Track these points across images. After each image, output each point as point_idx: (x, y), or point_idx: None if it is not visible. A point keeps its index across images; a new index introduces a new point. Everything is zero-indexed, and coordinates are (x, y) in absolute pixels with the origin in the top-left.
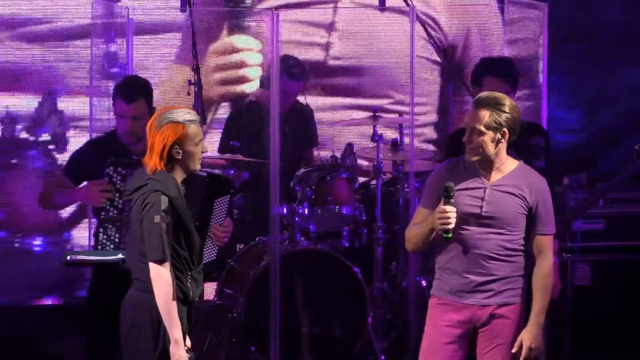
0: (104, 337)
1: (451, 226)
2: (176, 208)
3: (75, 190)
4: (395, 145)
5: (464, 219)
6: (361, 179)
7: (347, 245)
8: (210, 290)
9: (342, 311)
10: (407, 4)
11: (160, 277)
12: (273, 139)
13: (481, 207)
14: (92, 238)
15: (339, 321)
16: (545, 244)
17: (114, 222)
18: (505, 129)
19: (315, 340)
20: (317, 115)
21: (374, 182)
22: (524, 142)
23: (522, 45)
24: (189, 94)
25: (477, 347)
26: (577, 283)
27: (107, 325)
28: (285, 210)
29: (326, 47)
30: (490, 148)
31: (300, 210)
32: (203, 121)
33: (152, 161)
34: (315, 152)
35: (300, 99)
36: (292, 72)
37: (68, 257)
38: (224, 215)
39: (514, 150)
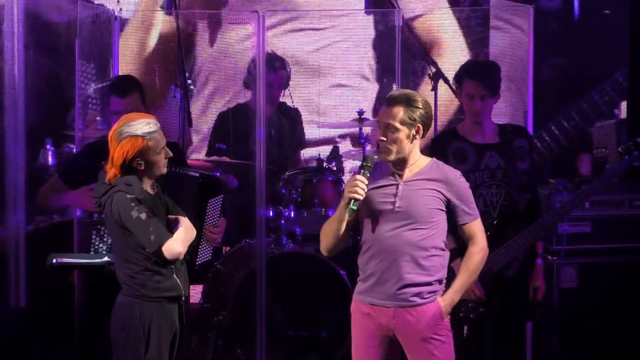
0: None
1: (358, 196)
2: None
3: (68, 193)
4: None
5: (377, 216)
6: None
7: None
8: (196, 292)
9: (329, 313)
10: (394, 6)
11: (177, 248)
12: (259, 141)
13: (394, 202)
14: (77, 241)
15: (325, 323)
16: (474, 230)
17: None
18: (419, 125)
19: (301, 343)
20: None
21: None
22: (508, 144)
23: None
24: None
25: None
26: (563, 286)
27: (97, 328)
28: (271, 213)
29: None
30: (405, 144)
31: (287, 213)
32: (189, 124)
33: (112, 172)
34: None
35: (288, 100)
36: (272, 64)
37: (54, 260)
38: (218, 215)
39: (497, 152)
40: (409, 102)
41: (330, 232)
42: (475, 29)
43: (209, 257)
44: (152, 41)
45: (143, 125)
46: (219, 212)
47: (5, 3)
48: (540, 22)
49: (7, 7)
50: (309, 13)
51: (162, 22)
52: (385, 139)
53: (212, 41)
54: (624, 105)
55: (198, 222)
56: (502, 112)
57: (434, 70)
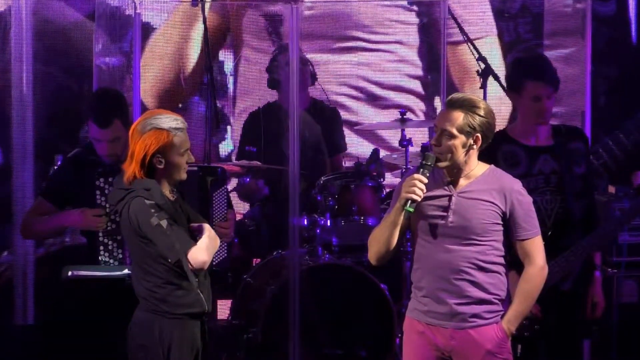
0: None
1: (416, 197)
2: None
3: (65, 214)
4: (426, 150)
5: (429, 230)
6: (388, 188)
7: None
8: (224, 308)
9: (368, 331)
10: None
11: (201, 257)
12: (292, 144)
13: (446, 217)
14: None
15: (364, 342)
16: (530, 248)
17: (113, 237)
18: (478, 134)
19: None
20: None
21: None
22: (563, 146)
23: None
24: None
25: None
26: (623, 301)
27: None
28: (305, 222)
29: None
30: (460, 154)
31: (322, 222)
32: (216, 126)
33: (131, 169)
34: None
35: (324, 99)
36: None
37: (69, 273)
38: (225, 207)
39: (551, 156)
40: (470, 108)
41: (381, 238)
42: (525, 35)
43: (225, 255)
44: (197, 35)
45: (170, 120)
46: (225, 204)
47: (13, 6)
48: (594, 29)
49: (14, 10)
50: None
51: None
52: (438, 145)
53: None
54: None
55: (205, 218)
56: (556, 113)
57: (483, 66)
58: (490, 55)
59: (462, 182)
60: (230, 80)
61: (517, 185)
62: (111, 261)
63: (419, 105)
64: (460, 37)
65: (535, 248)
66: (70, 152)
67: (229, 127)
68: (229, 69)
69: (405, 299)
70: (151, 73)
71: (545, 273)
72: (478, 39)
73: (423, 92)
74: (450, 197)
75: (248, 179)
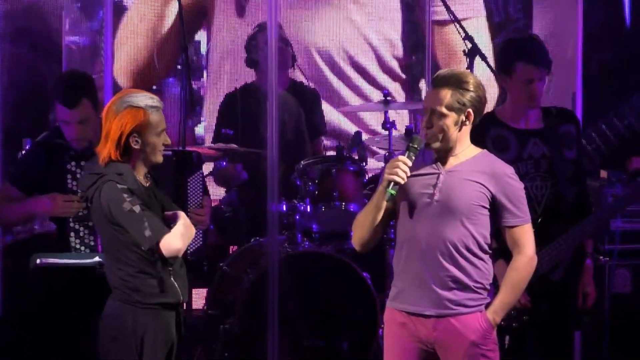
0: (82, 348)
1: (398, 179)
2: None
3: (34, 200)
4: (410, 133)
5: (414, 209)
6: (370, 172)
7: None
8: (199, 297)
9: (350, 322)
10: None
11: (175, 244)
12: (270, 126)
13: (432, 194)
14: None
15: (345, 333)
16: (520, 236)
17: (85, 223)
18: (469, 110)
19: (319, 355)
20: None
21: None
22: (553, 129)
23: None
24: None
25: None
26: (615, 290)
27: (82, 336)
28: (284, 208)
29: None
30: (453, 132)
31: (302, 208)
32: (192, 108)
33: (106, 150)
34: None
35: (304, 80)
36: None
37: (37, 261)
38: (201, 193)
39: (541, 139)
40: (458, 84)
41: (365, 223)
42: (515, 15)
43: (200, 243)
44: (172, 13)
45: (146, 98)
46: (200, 190)
47: None
48: (586, 9)
49: None
50: None
51: None
52: (429, 127)
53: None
54: None
55: (180, 205)
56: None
57: (469, 46)
58: (477, 36)
59: (452, 160)
60: (206, 60)
61: (508, 170)
62: (82, 248)
63: (399, 88)
64: (446, 17)
65: (525, 236)
66: (39, 136)
67: (204, 110)
68: (204, 49)
69: (388, 289)
70: (124, 53)
71: (535, 263)
72: (465, 19)
73: (404, 75)
74: (438, 175)
75: (225, 163)
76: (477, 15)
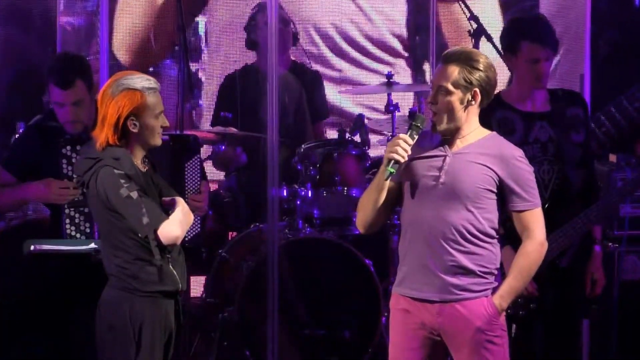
0: (77, 338)
1: (398, 157)
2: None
3: (28, 186)
4: (413, 115)
5: (419, 192)
6: (373, 156)
7: (357, 233)
8: (197, 285)
9: (352, 310)
10: None
11: (174, 231)
12: (271, 109)
13: (438, 177)
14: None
15: (347, 322)
16: (529, 221)
17: (80, 209)
18: (476, 89)
19: (320, 344)
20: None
21: None
22: (560, 112)
23: None
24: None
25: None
26: (624, 277)
27: (78, 325)
28: (285, 193)
29: None
30: (459, 110)
31: (303, 193)
32: (190, 91)
33: (104, 134)
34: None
35: (306, 61)
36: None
37: (31, 247)
38: (199, 178)
39: (548, 122)
40: (466, 61)
41: (368, 204)
42: None
43: (198, 230)
44: None
45: (142, 80)
46: (198, 175)
47: None
48: None
49: None
50: None
51: None
52: (434, 103)
53: None
54: None
55: (177, 191)
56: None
57: (475, 26)
58: (489, 16)
59: (459, 143)
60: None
61: (517, 152)
62: (78, 235)
63: (404, 67)
64: None
65: (535, 221)
66: (32, 120)
67: (202, 92)
68: (202, 30)
69: (392, 276)
70: (123, 33)
71: (545, 249)
72: None
73: (407, 54)
74: (444, 157)
75: (223, 147)
76: None
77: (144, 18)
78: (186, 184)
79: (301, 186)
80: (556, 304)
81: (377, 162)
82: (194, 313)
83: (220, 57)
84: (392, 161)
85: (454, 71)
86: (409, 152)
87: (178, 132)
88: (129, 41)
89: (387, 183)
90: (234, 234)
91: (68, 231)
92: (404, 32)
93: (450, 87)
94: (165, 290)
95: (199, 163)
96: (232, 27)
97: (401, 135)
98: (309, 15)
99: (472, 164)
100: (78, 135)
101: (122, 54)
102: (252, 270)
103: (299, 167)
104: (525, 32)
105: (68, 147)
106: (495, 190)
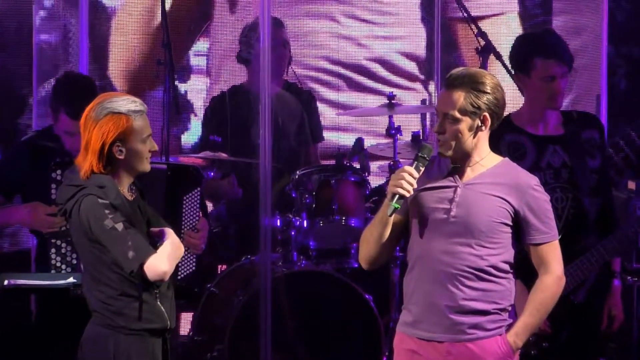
0: None
1: (403, 191)
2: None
3: (13, 209)
4: (417, 139)
5: (429, 226)
6: (373, 183)
7: (356, 266)
8: (185, 322)
9: (351, 348)
10: None
11: (161, 267)
12: (263, 132)
13: (449, 210)
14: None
15: None
16: (547, 254)
17: (67, 239)
18: (486, 114)
19: None
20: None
21: None
22: (575, 136)
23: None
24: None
25: None
26: None
27: None
28: (278, 223)
29: None
30: (467, 138)
31: (298, 223)
32: (176, 110)
33: (88, 162)
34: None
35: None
36: (277, 33)
37: (5, 282)
38: (197, 214)
39: (562, 146)
40: (472, 85)
41: (370, 238)
42: (533, 11)
43: (192, 269)
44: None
45: (128, 102)
46: (197, 210)
47: None
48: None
49: None
50: None
51: None
52: (442, 132)
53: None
54: None
55: (173, 225)
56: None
57: (482, 43)
58: (508, 34)
59: (471, 172)
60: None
61: (533, 181)
62: (64, 267)
63: (412, 87)
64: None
65: (552, 254)
66: (25, 136)
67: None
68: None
69: (394, 312)
70: (118, 54)
71: (563, 283)
72: (496, 15)
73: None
74: (455, 188)
75: (212, 173)
76: (508, 11)
77: (138, 38)
78: (183, 219)
79: (296, 215)
80: (570, 342)
81: (378, 189)
82: (181, 352)
83: (216, 77)
84: (397, 196)
85: (460, 97)
86: (415, 186)
87: (177, 162)
88: (126, 63)
89: (389, 218)
90: (224, 266)
91: (53, 262)
92: (410, 51)
93: (457, 114)
94: (153, 329)
95: (198, 197)
96: (225, 45)
97: (406, 167)
98: (306, 34)
99: (485, 196)
100: (70, 159)
101: (118, 81)
102: (243, 305)
103: (293, 195)
104: (538, 47)
105: (58, 172)
106: (510, 223)
